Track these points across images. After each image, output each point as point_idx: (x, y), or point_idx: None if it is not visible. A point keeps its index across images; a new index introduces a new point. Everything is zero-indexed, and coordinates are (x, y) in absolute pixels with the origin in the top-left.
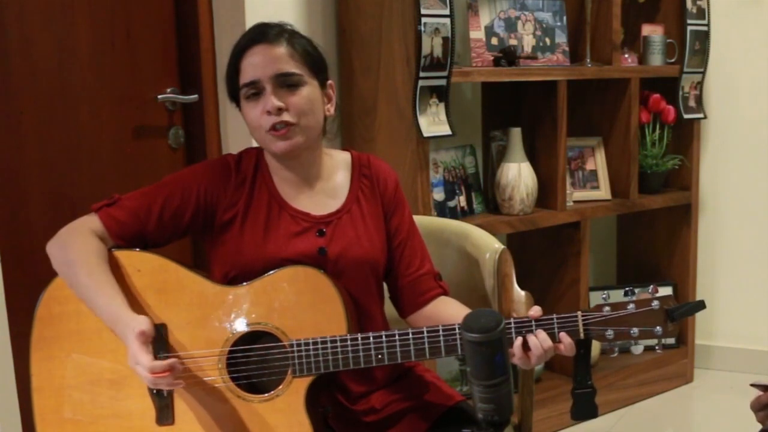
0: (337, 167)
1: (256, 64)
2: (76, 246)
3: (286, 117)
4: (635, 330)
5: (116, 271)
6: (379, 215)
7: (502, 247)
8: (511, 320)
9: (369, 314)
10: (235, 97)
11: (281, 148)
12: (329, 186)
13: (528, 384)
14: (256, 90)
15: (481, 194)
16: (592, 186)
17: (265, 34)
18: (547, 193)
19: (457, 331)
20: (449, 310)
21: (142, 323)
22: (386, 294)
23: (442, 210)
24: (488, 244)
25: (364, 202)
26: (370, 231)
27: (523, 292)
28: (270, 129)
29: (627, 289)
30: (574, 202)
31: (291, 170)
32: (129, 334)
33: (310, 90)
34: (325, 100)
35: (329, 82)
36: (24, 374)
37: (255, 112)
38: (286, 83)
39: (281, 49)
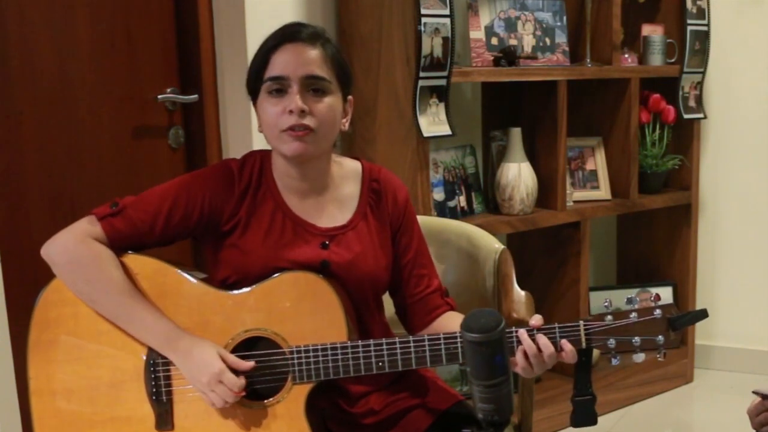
0: (347, 177)
1: (288, 61)
2: (94, 261)
3: (307, 121)
4: (637, 339)
5: None
6: (386, 232)
7: (502, 247)
8: (513, 330)
9: (366, 328)
10: (253, 90)
11: (293, 149)
12: (337, 197)
13: (528, 384)
14: (280, 86)
15: (481, 194)
16: (592, 186)
17: (300, 33)
18: (547, 193)
19: (458, 339)
20: (455, 325)
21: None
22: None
23: (442, 210)
24: (488, 244)
25: (371, 217)
26: (376, 248)
27: (523, 292)
28: (287, 129)
29: (628, 297)
30: (574, 202)
31: (298, 178)
32: (200, 353)
33: (334, 100)
34: (343, 113)
35: (350, 97)
36: (24, 375)
37: (275, 109)
38: (313, 87)
39: (315, 52)
